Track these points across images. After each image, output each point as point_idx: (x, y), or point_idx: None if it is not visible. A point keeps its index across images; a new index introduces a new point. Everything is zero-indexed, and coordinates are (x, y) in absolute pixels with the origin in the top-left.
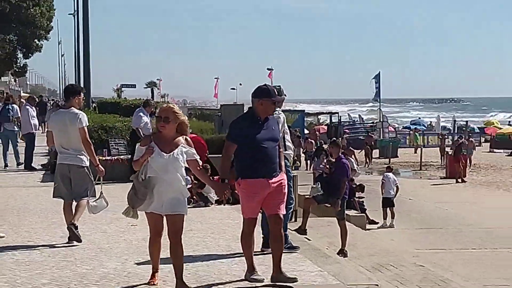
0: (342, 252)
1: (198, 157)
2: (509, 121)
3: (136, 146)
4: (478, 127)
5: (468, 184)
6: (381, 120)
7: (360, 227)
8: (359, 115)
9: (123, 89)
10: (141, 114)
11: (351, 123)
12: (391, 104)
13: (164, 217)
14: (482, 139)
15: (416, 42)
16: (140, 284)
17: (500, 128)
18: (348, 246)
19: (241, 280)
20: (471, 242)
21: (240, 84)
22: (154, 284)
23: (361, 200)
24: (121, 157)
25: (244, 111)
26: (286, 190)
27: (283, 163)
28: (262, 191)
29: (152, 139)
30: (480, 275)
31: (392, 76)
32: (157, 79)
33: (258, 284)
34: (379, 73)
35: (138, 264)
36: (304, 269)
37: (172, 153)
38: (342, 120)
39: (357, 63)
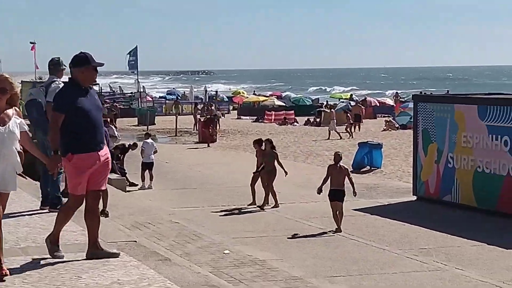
0: (103, 213)
1: (27, 128)
2: (254, 91)
3: None
4: (227, 97)
5: (218, 147)
6: (139, 90)
7: (121, 189)
8: (119, 86)
9: None
10: None
11: (111, 93)
12: (149, 76)
13: None
14: (231, 107)
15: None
16: None
17: (246, 97)
18: (109, 207)
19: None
20: (221, 200)
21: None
22: (5, 275)
23: (119, 165)
24: None
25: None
26: (110, 165)
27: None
28: (93, 165)
29: None
30: (229, 229)
31: (151, 50)
32: None
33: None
34: (136, 47)
35: None
36: (67, 229)
37: (7, 125)
38: (103, 91)
39: (116, 38)
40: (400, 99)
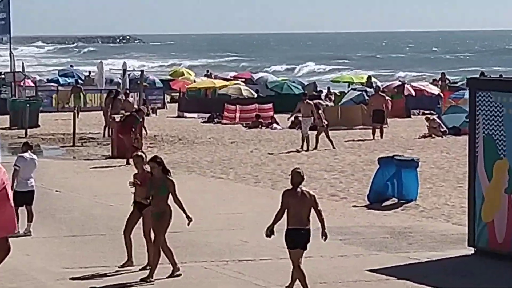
0: None
1: None
2: (208, 70)
3: None
4: (160, 80)
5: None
6: (13, 69)
7: None
8: None
9: None
10: None
11: None
12: (30, 45)
13: None
14: (167, 98)
15: None
16: None
17: (194, 81)
18: None
19: None
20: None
21: None
22: None
23: None
24: None
25: None
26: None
27: None
28: None
29: None
30: None
31: (35, 3)
32: None
33: None
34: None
35: None
36: None
37: None
38: None
39: None
40: (448, 84)
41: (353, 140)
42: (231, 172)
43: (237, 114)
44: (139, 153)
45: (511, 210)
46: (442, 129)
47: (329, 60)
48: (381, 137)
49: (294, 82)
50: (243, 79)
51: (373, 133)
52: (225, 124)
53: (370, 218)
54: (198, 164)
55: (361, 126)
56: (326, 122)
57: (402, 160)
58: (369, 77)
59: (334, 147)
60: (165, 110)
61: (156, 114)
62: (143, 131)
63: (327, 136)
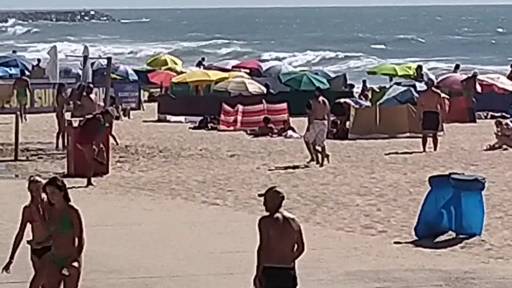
0: None
1: None
2: (203, 58)
3: None
4: (135, 71)
5: (112, 187)
6: None
7: None
8: None
9: None
10: None
11: None
12: None
13: None
14: (144, 95)
15: None
16: None
17: (181, 72)
18: None
19: None
20: None
21: None
22: None
23: None
24: None
25: None
26: None
27: None
28: None
29: None
30: None
31: None
32: None
33: None
34: None
35: None
36: None
37: None
38: None
39: None
40: None
41: (397, 153)
42: (229, 196)
43: (239, 118)
44: (37, 179)
45: None
46: None
47: (343, 44)
48: (435, 148)
49: (317, 73)
50: (248, 70)
51: (424, 144)
52: (223, 130)
53: (418, 258)
54: (185, 185)
55: (408, 134)
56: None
57: (462, 180)
58: (419, 67)
59: (319, 163)
60: (141, 112)
61: (129, 117)
62: (111, 140)
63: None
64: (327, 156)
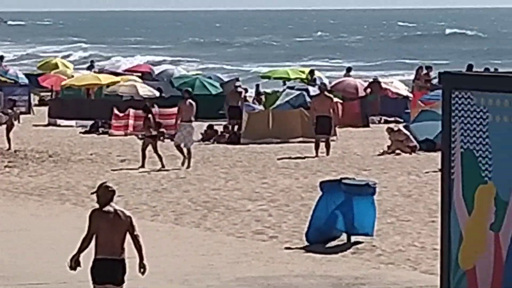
0: None
1: None
2: (92, 61)
3: None
4: (25, 75)
5: (0, 192)
6: None
7: None
8: None
9: None
10: None
11: None
12: None
13: None
14: (34, 99)
15: None
16: None
17: (71, 76)
18: None
19: None
20: None
21: None
22: None
23: None
24: None
25: None
26: None
27: None
28: None
29: None
30: None
31: None
32: None
33: None
34: None
35: None
36: None
37: None
38: None
39: None
40: (430, 82)
41: (289, 158)
42: (119, 201)
43: (130, 122)
44: None
45: (498, 253)
46: (411, 143)
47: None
48: (327, 153)
49: (210, 77)
50: (140, 74)
51: (316, 148)
52: (114, 135)
53: (309, 264)
54: (75, 190)
55: (301, 139)
56: (155, 132)
57: (353, 184)
58: (312, 72)
59: (163, 166)
60: (30, 116)
61: (19, 122)
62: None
63: (155, 149)
64: (189, 159)
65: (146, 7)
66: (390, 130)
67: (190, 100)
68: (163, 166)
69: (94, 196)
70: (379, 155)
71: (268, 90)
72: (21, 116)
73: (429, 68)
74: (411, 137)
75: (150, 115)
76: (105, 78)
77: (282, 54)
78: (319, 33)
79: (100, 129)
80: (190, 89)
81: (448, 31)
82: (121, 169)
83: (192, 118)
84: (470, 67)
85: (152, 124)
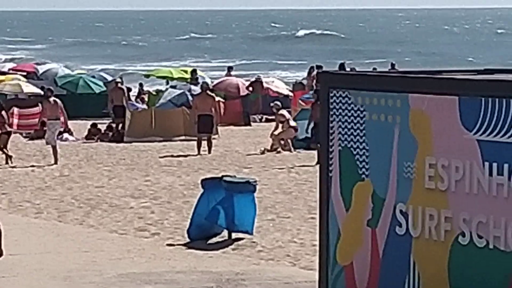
0: None
1: None
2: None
3: None
4: None
5: None
6: None
7: None
8: None
9: None
10: None
11: None
12: None
13: None
14: None
15: None
16: None
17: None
18: None
19: None
20: None
21: None
22: None
23: None
24: None
25: None
26: None
27: None
28: None
29: None
30: None
31: None
32: None
33: None
34: None
35: None
36: None
37: None
38: None
39: None
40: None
41: (172, 156)
42: (3, 199)
43: (15, 120)
44: None
45: (375, 249)
46: (292, 124)
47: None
48: (209, 151)
49: (94, 77)
50: (25, 73)
51: (198, 147)
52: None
53: (191, 260)
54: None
55: (183, 137)
56: (9, 128)
57: (233, 182)
58: (194, 71)
59: (8, 162)
60: None
61: None
62: None
63: (4, 146)
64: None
65: (27, 7)
66: (277, 111)
67: (54, 98)
68: (7, 162)
69: None
70: (260, 153)
71: (152, 89)
72: None
73: (319, 67)
74: (291, 120)
75: (3, 112)
76: None
77: (163, 53)
78: (192, 34)
79: None
80: (52, 88)
81: (302, 32)
82: (4, 167)
83: (59, 116)
84: (342, 66)
85: (6, 120)
